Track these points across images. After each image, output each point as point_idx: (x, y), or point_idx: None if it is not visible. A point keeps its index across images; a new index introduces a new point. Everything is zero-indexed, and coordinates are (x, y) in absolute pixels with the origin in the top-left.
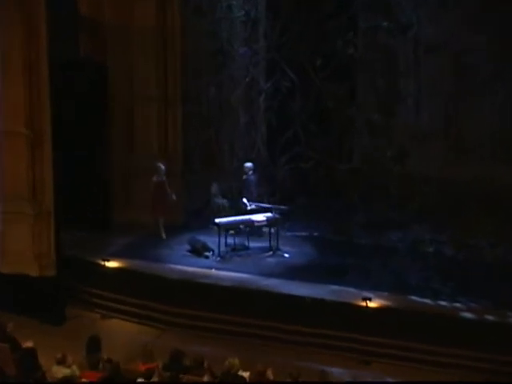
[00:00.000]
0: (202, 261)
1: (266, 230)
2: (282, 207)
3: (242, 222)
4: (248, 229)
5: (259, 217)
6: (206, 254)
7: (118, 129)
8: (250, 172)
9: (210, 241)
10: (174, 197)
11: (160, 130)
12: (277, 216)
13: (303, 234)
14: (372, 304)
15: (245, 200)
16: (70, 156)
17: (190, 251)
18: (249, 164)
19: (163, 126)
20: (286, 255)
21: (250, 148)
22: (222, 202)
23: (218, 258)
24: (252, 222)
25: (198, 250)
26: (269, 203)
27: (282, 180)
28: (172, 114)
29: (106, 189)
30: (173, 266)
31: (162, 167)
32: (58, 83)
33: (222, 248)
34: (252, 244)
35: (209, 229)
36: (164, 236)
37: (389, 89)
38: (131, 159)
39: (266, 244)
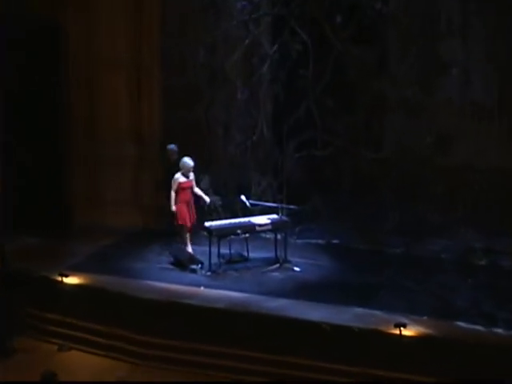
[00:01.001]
0: (188, 276)
1: (270, 236)
2: (292, 207)
3: (240, 225)
4: (248, 235)
5: (262, 219)
6: (193, 267)
7: (77, 106)
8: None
9: (198, 250)
10: (206, 199)
11: (131, 106)
12: (284, 218)
13: (319, 241)
14: (407, 332)
15: (243, 198)
16: (15, 144)
17: (172, 264)
18: (172, 146)
19: (135, 101)
20: (297, 269)
21: (251, 130)
22: (213, 199)
23: (209, 273)
24: (253, 225)
25: (183, 263)
26: (274, 202)
27: (292, 172)
28: (147, 85)
29: (64, 184)
30: (150, 282)
31: (191, 163)
32: None
33: (214, 259)
34: (253, 254)
35: (196, 235)
36: (190, 251)
37: (428, 56)
38: (95, 146)
39: (270, 254)
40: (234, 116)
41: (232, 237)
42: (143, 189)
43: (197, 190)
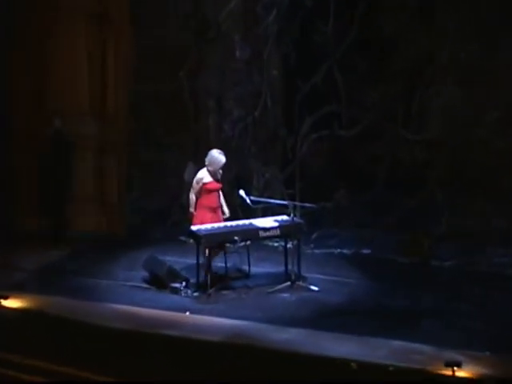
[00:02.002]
0: (169, 298)
1: (278, 244)
2: (307, 205)
3: (238, 230)
4: (249, 242)
5: (267, 221)
6: (175, 285)
7: (22, 72)
8: None
9: (182, 263)
10: (226, 211)
11: (92, 72)
12: (297, 220)
13: (343, 250)
14: (462, 373)
15: (242, 193)
16: None
17: (146, 281)
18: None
19: (97, 66)
20: (315, 288)
21: (252, 103)
22: None
23: (196, 294)
24: (255, 230)
25: (161, 280)
26: (283, 198)
27: (307, 159)
28: (113, 44)
29: (6, 174)
30: (117, 306)
31: (222, 159)
32: None
33: (204, 275)
34: (255, 268)
35: (179, 243)
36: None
37: (492, 2)
38: (43, 124)
39: (279, 268)
40: (230, 84)
41: (228, 245)
42: (108, 181)
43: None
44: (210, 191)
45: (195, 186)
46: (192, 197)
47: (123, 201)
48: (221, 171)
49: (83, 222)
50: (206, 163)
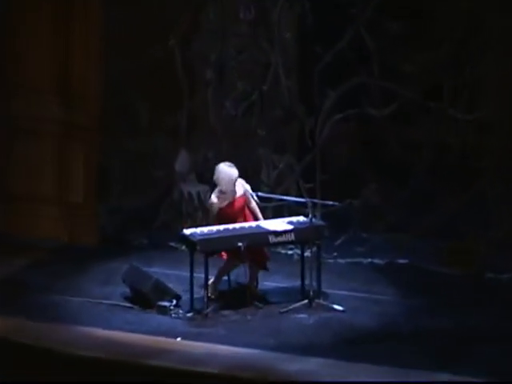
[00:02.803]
0: (155, 319)
1: (294, 251)
2: (329, 203)
3: (243, 234)
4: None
5: (279, 224)
6: (163, 303)
7: None
8: None
9: (172, 277)
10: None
11: (56, 45)
12: (317, 222)
13: (375, 260)
14: None
15: (247, 187)
16: None
17: (127, 299)
18: None
19: (62, 37)
20: (338, 308)
21: (260, 75)
22: (197, 190)
23: (190, 314)
24: (264, 234)
25: (146, 297)
26: (300, 195)
27: (330, 145)
28: (80, 12)
29: None
30: (90, 330)
31: (232, 174)
32: None
33: (199, 292)
34: (265, 283)
35: (168, 250)
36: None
37: None
38: None
39: (294, 283)
40: (232, 51)
41: (230, 252)
42: (73, 177)
43: (254, 207)
44: (228, 214)
45: (211, 216)
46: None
47: (92, 200)
48: (241, 185)
49: (46, 226)
50: (215, 182)
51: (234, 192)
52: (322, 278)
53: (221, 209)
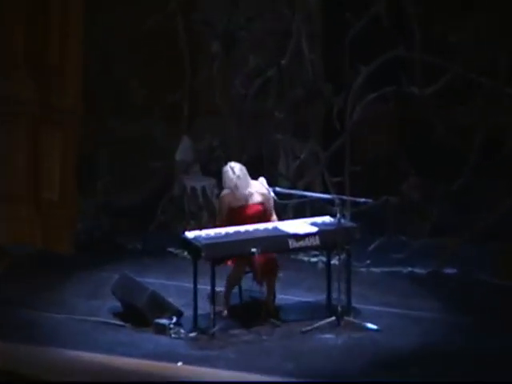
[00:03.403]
0: (152, 340)
1: (318, 259)
2: (361, 200)
3: (257, 237)
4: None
5: (301, 225)
6: (161, 321)
7: None
8: None
9: (172, 289)
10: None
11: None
12: (347, 223)
13: (415, 269)
14: None
15: (263, 181)
16: None
17: (118, 315)
18: None
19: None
20: (372, 326)
21: (277, 46)
22: (202, 184)
23: (194, 334)
24: (283, 238)
25: (140, 313)
26: (326, 191)
27: (361, 131)
28: None
29: None
30: (76, 353)
31: (233, 175)
32: None
33: (204, 307)
34: (283, 296)
35: (166, 257)
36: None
37: None
38: None
39: (318, 297)
40: (243, 18)
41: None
42: (48, 169)
43: (274, 219)
44: (240, 216)
45: (218, 208)
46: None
47: (71, 196)
48: (258, 187)
49: (13, 230)
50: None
51: (247, 197)
52: (353, 290)
53: (232, 208)
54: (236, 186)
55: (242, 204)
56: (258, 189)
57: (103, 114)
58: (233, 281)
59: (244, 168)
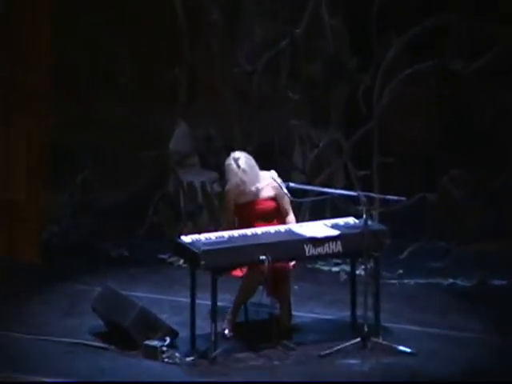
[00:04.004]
0: (141, 365)
1: (339, 268)
2: (392, 198)
3: (267, 242)
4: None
5: (320, 228)
6: (152, 343)
7: None
8: None
9: (165, 304)
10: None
11: None
12: (375, 226)
13: (456, 281)
14: None
15: (274, 174)
16: None
17: (100, 336)
18: None
19: None
20: (405, 349)
21: (290, 14)
22: (200, 179)
23: (191, 358)
24: (299, 243)
25: (127, 333)
26: (350, 187)
27: (392, 114)
28: None
29: None
30: (46, 380)
31: (234, 164)
32: None
33: (204, 326)
34: (299, 313)
35: (158, 267)
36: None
37: None
38: None
39: (340, 313)
40: None
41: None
42: (12, 164)
43: (291, 220)
44: (249, 212)
45: (224, 212)
46: (225, 223)
47: (39, 195)
48: (261, 185)
49: None
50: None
51: (254, 192)
52: (382, 306)
53: (239, 205)
54: (242, 181)
55: (251, 199)
56: (270, 181)
57: (83, 94)
58: (245, 293)
59: (251, 159)
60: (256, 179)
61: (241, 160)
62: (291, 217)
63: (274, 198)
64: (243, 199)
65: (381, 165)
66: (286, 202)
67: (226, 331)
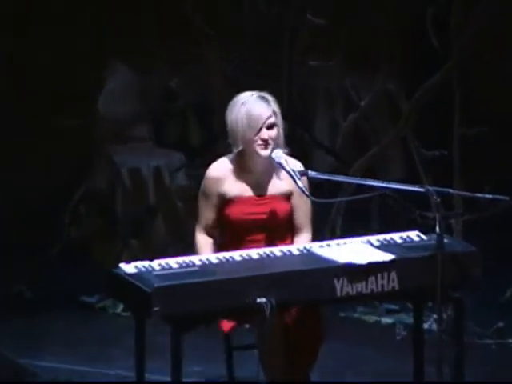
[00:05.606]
0: None
1: (394, 319)
2: (488, 196)
3: (270, 275)
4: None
5: (358, 248)
6: None
7: None
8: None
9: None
10: None
11: None
12: (458, 245)
13: None
14: None
15: (278, 154)
16: None
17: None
18: None
19: None
20: None
21: None
22: (154, 162)
23: None
24: (324, 272)
25: None
26: (414, 178)
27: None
28: None
29: None
30: None
31: (263, 110)
32: None
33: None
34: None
35: (80, 314)
36: None
37: None
38: None
39: (402, 364)
40: None
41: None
42: None
43: (304, 240)
44: (251, 228)
45: (201, 212)
46: (198, 241)
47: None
48: (283, 159)
49: None
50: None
51: (262, 178)
52: (468, 379)
53: (225, 203)
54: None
55: (249, 195)
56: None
57: None
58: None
59: (274, 101)
60: (282, 147)
61: (270, 97)
62: (305, 236)
63: (289, 198)
64: (236, 190)
65: (465, 140)
66: (306, 210)
67: None
